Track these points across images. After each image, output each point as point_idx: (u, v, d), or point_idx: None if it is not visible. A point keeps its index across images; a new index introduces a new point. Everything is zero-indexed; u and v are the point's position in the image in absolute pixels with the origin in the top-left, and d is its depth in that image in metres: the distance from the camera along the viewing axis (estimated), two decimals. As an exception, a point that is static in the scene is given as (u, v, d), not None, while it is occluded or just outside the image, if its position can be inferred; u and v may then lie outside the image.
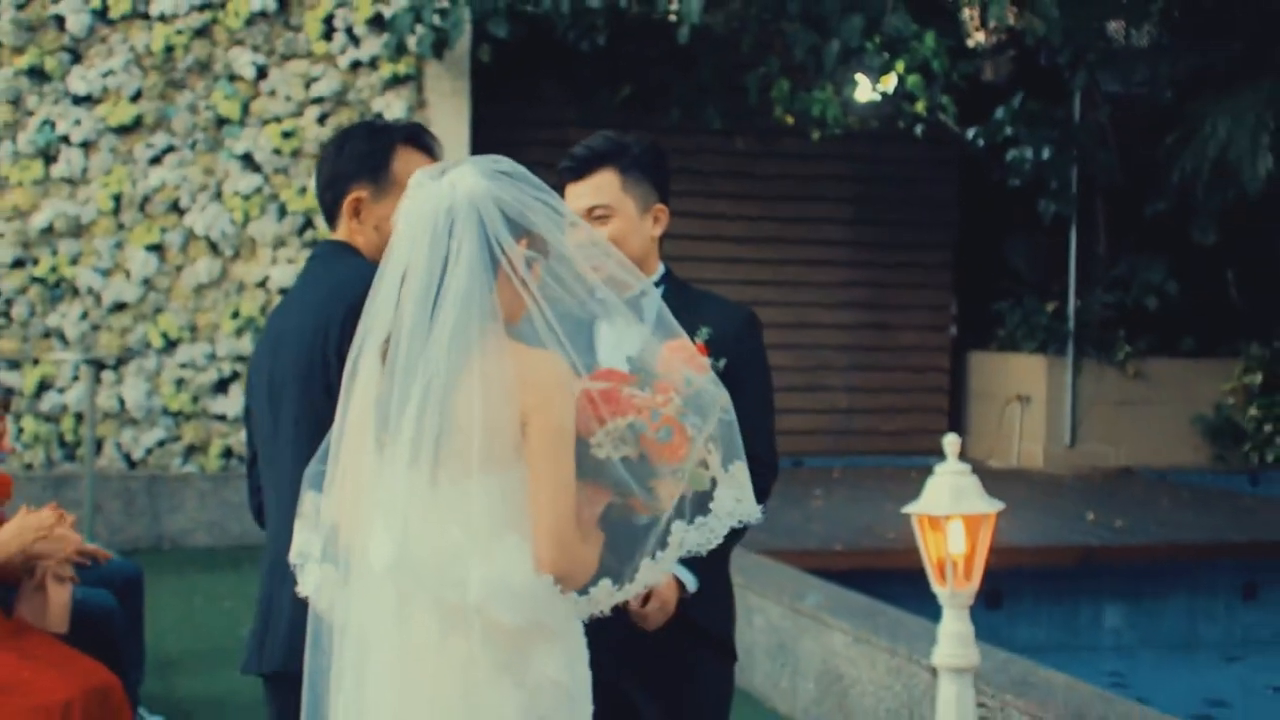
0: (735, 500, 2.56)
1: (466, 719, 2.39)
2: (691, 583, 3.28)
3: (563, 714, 2.45)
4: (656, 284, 3.29)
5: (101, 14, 10.78)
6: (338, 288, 3.22)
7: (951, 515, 4.40)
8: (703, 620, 3.21)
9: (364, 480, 2.45)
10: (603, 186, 3.30)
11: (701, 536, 2.55)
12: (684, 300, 3.26)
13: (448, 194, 2.44)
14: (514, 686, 2.40)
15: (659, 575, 2.52)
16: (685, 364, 2.57)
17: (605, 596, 2.47)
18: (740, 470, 2.57)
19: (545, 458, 2.37)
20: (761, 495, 2.85)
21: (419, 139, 3.41)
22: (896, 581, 7.40)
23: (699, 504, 2.56)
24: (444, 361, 2.35)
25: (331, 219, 3.39)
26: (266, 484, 3.38)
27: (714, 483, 2.55)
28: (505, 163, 2.51)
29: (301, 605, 3.19)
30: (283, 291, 10.70)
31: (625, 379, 2.53)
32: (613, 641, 2.79)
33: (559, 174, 3.37)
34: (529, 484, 2.37)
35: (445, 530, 2.36)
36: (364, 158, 3.33)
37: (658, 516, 2.51)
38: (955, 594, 4.47)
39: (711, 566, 3.11)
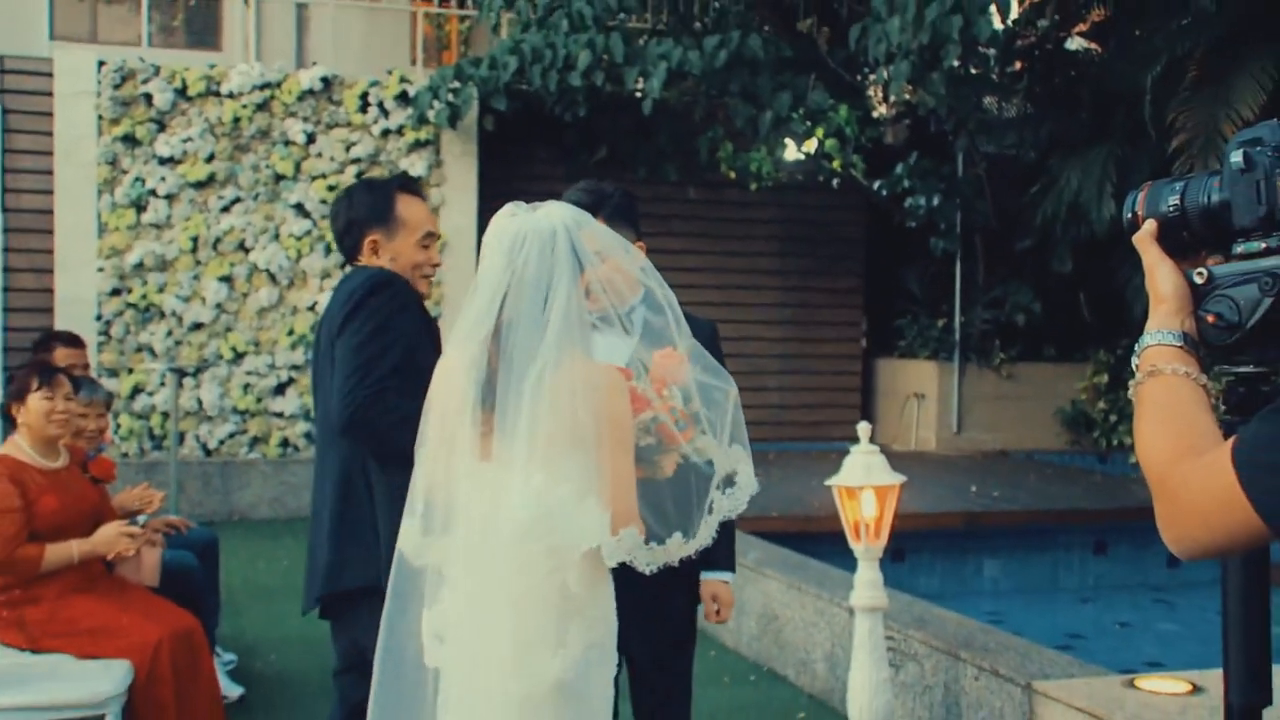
0: (750, 474, 2.61)
1: (553, 641, 2.38)
2: (731, 577, 3.49)
3: (610, 640, 2.48)
4: (643, 300, 3.30)
5: (182, 91, 10.73)
6: (339, 291, 3.34)
7: (864, 486, 4.41)
8: (684, 568, 3.23)
9: (461, 446, 2.41)
10: None
11: (732, 502, 2.59)
12: (658, 309, 3.27)
13: (546, 220, 2.44)
14: (585, 616, 2.42)
15: (710, 533, 2.55)
16: (675, 369, 2.59)
17: (677, 547, 2.51)
18: (741, 450, 2.61)
19: (617, 444, 2.38)
20: None
21: (410, 186, 3.52)
22: (820, 541, 7.42)
23: (728, 479, 2.60)
24: (553, 351, 2.34)
25: (351, 255, 3.45)
26: (316, 448, 3.44)
27: (710, 462, 2.58)
28: (568, 206, 2.52)
29: (334, 540, 3.25)
30: (328, 313, 10.67)
31: (629, 375, 2.56)
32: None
33: None
34: (603, 464, 2.37)
35: (557, 490, 2.35)
36: (372, 207, 3.41)
37: (708, 487, 2.55)
38: (868, 549, 4.49)
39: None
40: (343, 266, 10.90)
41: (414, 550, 2.45)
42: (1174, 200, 1.72)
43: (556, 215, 2.46)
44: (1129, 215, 1.79)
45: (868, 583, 4.52)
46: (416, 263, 3.42)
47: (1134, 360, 1.69)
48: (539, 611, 2.37)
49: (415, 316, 3.26)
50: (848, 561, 4.90)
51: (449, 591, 2.44)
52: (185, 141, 10.71)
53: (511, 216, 2.48)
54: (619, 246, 2.61)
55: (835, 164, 11.61)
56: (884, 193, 12.15)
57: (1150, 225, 1.73)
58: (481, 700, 2.39)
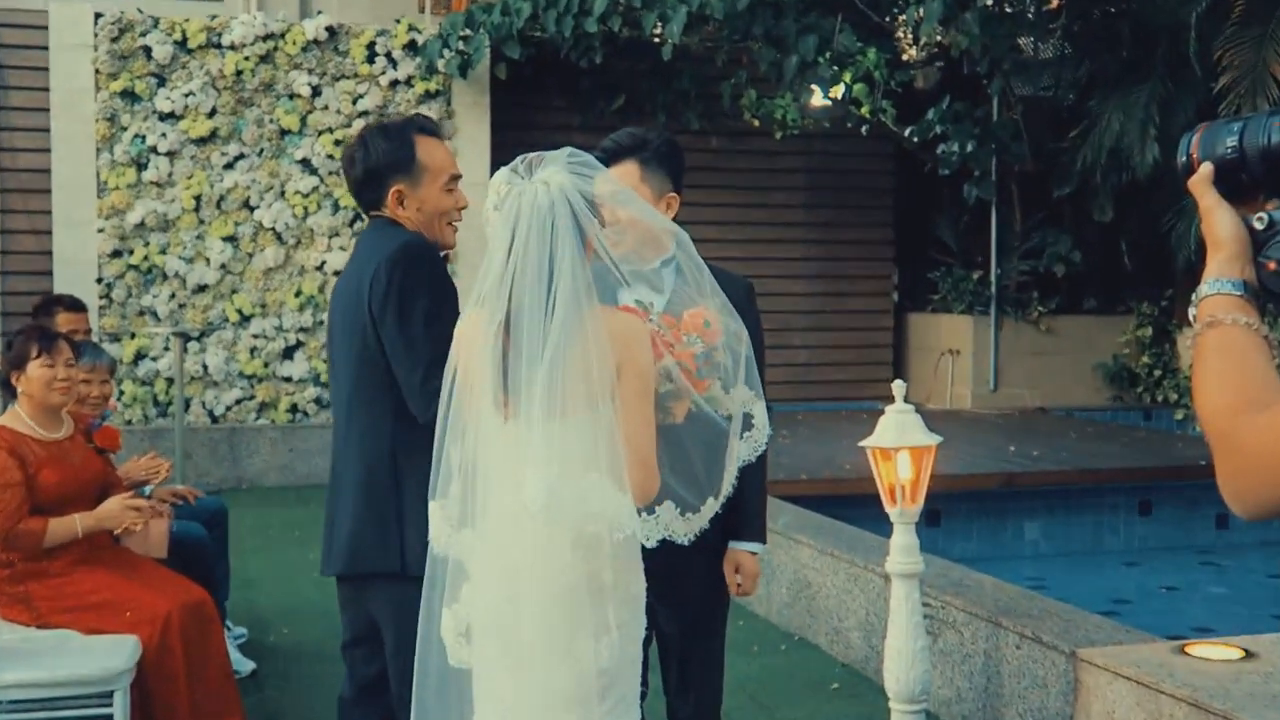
0: (765, 416, 2.65)
1: (591, 630, 2.40)
2: (760, 549, 3.45)
3: (640, 620, 2.50)
4: (669, 260, 3.26)
5: (182, 44, 10.70)
6: (374, 253, 3.23)
7: (900, 447, 4.39)
8: (712, 541, 3.22)
9: (485, 435, 2.43)
10: (624, 175, 3.26)
11: (750, 447, 2.62)
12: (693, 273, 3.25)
13: (545, 193, 2.43)
14: (619, 599, 2.43)
15: (731, 481, 2.58)
16: (709, 329, 2.62)
17: (709, 510, 2.54)
18: (753, 392, 2.64)
19: (636, 395, 2.40)
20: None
21: (428, 127, 3.41)
22: (853, 505, 7.41)
23: (745, 423, 2.63)
24: (562, 332, 2.35)
25: (372, 207, 3.36)
26: (333, 419, 3.40)
27: (728, 417, 2.61)
28: (575, 154, 2.50)
29: (358, 519, 3.22)
30: (337, 273, 10.68)
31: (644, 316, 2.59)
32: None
33: None
34: (622, 418, 2.38)
35: (583, 471, 2.36)
36: (392, 154, 3.31)
37: (727, 440, 2.59)
38: (903, 513, 4.47)
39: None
40: (352, 224, 10.89)
41: (444, 540, 2.48)
42: (1232, 142, 1.68)
43: (555, 183, 2.44)
44: (1183, 158, 1.74)
45: (903, 547, 4.51)
46: (444, 209, 3.36)
47: (1191, 311, 1.66)
48: (575, 603, 2.39)
49: (450, 286, 3.23)
50: (882, 526, 4.89)
51: (473, 587, 2.45)
52: (186, 96, 10.69)
53: (511, 187, 2.47)
54: (634, 201, 2.60)
55: (864, 110, 11.52)
56: (915, 139, 12.06)
57: (1206, 168, 1.69)
58: (523, 696, 2.41)
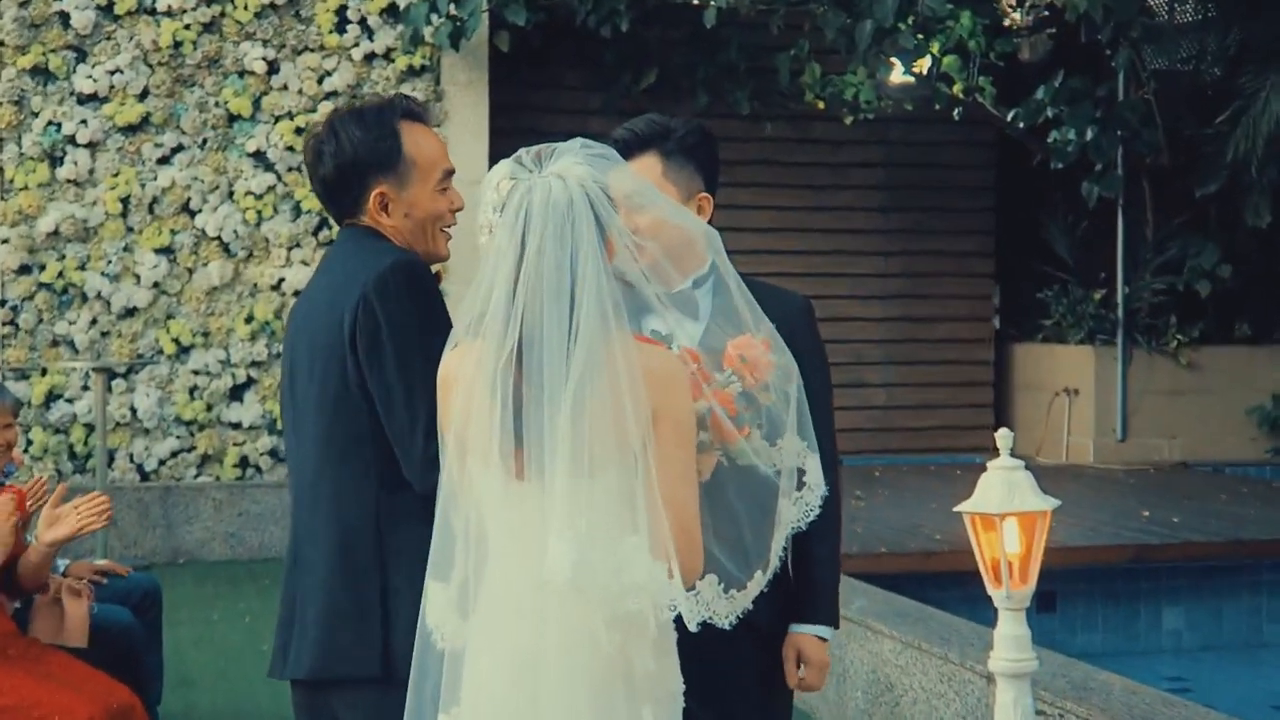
0: (819, 472, 2.65)
1: None
2: (830, 634, 3.43)
3: (676, 714, 2.51)
4: (704, 278, 3.25)
5: (107, 9, 10.79)
6: (354, 273, 3.19)
7: (1006, 513, 4.34)
8: (766, 624, 3.19)
9: (491, 498, 2.45)
10: (642, 172, 3.24)
11: (801, 510, 2.63)
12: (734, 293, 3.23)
13: (561, 188, 2.44)
14: (656, 695, 2.44)
15: (779, 552, 2.60)
16: (757, 360, 2.64)
17: (756, 586, 2.56)
18: (804, 443, 2.65)
19: (675, 447, 2.42)
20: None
21: (414, 111, 3.37)
22: (946, 585, 7.37)
23: (796, 481, 2.64)
24: (587, 365, 2.37)
25: (346, 214, 3.34)
26: (291, 478, 3.37)
27: (776, 471, 2.63)
28: (590, 145, 2.53)
29: (330, 609, 3.18)
30: (298, 294, 10.70)
31: (696, 359, 2.61)
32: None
33: None
34: (658, 475, 2.39)
35: (618, 536, 2.37)
36: (372, 146, 3.27)
37: (774, 499, 2.61)
38: (1011, 596, 4.42)
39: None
40: (317, 231, 10.94)
41: (450, 631, 2.49)
42: None
43: (573, 175, 2.46)
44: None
45: (1011, 640, 4.46)
46: (438, 213, 3.34)
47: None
48: (608, 700, 2.39)
49: (445, 314, 3.21)
50: (983, 612, 4.85)
51: (477, 686, 2.45)
52: (112, 74, 10.77)
53: (511, 180, 2.48)
54: (658, 200, 2.60)
55: (956, 88, 11.52)
56: (1021, 124, 12.04)
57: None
58: None
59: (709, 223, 3.33)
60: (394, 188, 3.28)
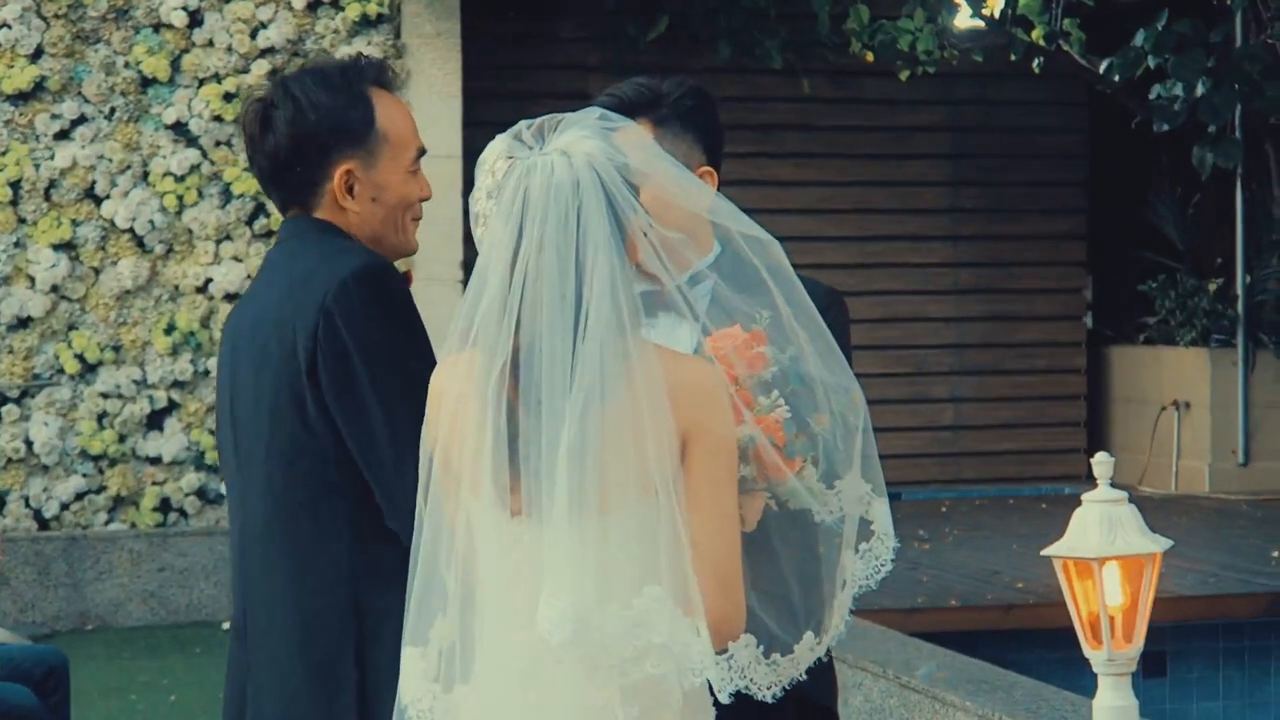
0: (888, 520, 2.68)
1: None
2: None
3: None
4: (710, 267, 3.27)
5: (-10, -50, 10.83)
6: (307, 281, 3.19)
7: (1106, 557, 4.36)
8: (812, 692, 3.20)
9: (483, 540, 2.47)
10: None
11: (870, 565, 2.66)
12: (746, 282, 3.25)
13: (565, 167, 2.46)
14: None
15: (844, 617, 2.63)
16: (737, 358, 2.63)
17: (807, 653, 2.57)
18: (869, 486, 2.67)
19: (711, 482, 2.43)
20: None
21: (386, 79, 3.41)
22: (1031, 645, 7.36)
23: (862, 530, 2.66)
24: (598, 379, 2.39)
25: (295, 199, 3.34)
26: (233, 531, 3.36)
27: (842, 516, 2.65)
28: (610, 117, 2.57)
29: (293, 696, 3.18)
30: (230, 298, 10.73)
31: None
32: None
33: None
34: (690, 514, 2.41)
35: (635, 587, 2.38)
36: (343, 116, 3.28)
37: (837, 549, 2.63)
38: (1113, 658, 4.44)
39: None
40: (251, 220, 10.95)
41: (427, 705, 2.50)
42: None
43: (579, 152, 2.48)
44: None
45: (1114, 711, 4.48)
46: (409, 199, 3.35)
47: None
48: None
49: (423, 330, 3.21)
50: (1079, 677, 4.85)
51: None
52: (-3, 29, 10.80)
53: (508, 160, 2.50)
54: (675, 173, 2.62)
55: (1036, 34, 11.53)
56: (1116, 78, 12.04)
57: None
58: None
59: None
60: (362, 166, 3.29)
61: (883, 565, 2.70)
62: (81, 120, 10.92)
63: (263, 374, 3.23)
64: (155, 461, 10.94)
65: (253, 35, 11.09)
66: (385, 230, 3.33)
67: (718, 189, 3.44)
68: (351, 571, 3.15)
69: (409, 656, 2.54)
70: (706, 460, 2.43)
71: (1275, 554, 10.03)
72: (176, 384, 10.95)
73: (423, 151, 3.40)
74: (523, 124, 2.53)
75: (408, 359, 3.10)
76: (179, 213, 10.96)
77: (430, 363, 2.98)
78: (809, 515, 2.63)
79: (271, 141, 3.30)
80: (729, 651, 2.48)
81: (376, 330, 3.13)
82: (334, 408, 3.13)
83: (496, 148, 2.54)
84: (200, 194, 10.98)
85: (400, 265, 3.43)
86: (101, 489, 10.89)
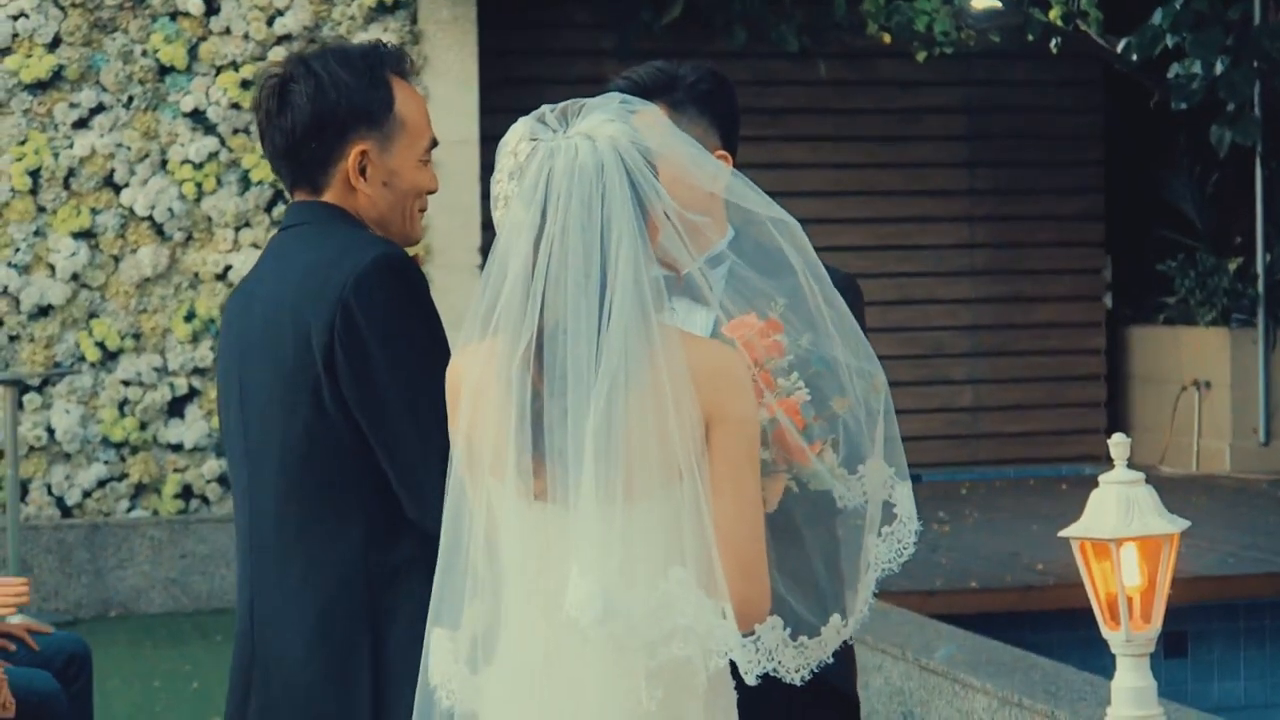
0: (911, 503, 2.68)
1: None
2: None
3: None
4: (728, 248, 3.28)
5: (6, -60, 10.84)
6: (321, 271, 3.18)
7: (1124, 538, 4.36)
8: (831, 675, 3.21)
9: (506, 526, 2.47)
10: None
11: (893, 548, 2.66)
12: (765, 263, 3.25)
13: (590, 151, 2.46)
14: None
15: (867, 599, 2.64)
16: (752, 345, 2.63)
17: (834, 636, 2.57)
18: (891, 469, 2.68)
19: (734, 466, 2.44)
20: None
21: (405, 69, 3.41)
22: (1050, 626, 7.36)
23: (885, 514, 2.67)
24: (623, 364, 2.40)
25: (305, 180, 3.34)
26: (238, 518, 3.36)
27: (865, 498, 2.66)
28: (630, 101, 2.59)
29: (307, 690, 3.18)
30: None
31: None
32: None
33: None
34: (713, 496, 2.42)
35: (661, 569, 2.39)
36: (365, 95, 3.28)
37: (859, 531, 2.64)
38: (1131, 639, 4.43)
39: None
40: (269, 207, 10.96)
41: (456, 687, 2.50)
42: None
43: (603, 135, 2.48)
44: None
45: (1133, 692, 4.47)
46: (419, 188, 3.36)
47: None
48: None
49: (440, 323, 3.20)
50: (1097, 659, 4.85)
51: None
52: (15, 20, 10.80)
53: (531, 142, 2.50)
54: (692, 154, 2.64)
55: (1054, 14, 11.50)
56: (1134, 57, 12.01)
57: None
58: None
59: None
60: (377, 148, 3.29)
61: (905, 548, 2.70)
62: (99, 109, 10.93)
63: (278, 364, 3.22)
64: (177, 448, 10.96)
65: (269, 22, 11.09)
66: (393, 216, 3.33)
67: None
68: (365, 564, 3.15)
69: (437, 637, 2.55)
70: (729, 444, 2.44)
71: (1296, 533, 10.03)
72: (197, 371, 10.96)
73: (435, 144, 3.41)
74: (545, 107, 2.54)
75: (426, 351, 3.10)
76: (198, 200, 10.98)
77: (447, 353, 2.96)
78: (831, 498, 2.64)
79: (289, 117, 3.29)
80: (756, 634, 2.49)
81: (395, 323, 3.14)
82: (352, 401, 3.12)
83: (519, 130, 2.55)
84: (219, 181, 10.99)
85: (412, 252, 3.42)
86: (123, 476, 10.91)
